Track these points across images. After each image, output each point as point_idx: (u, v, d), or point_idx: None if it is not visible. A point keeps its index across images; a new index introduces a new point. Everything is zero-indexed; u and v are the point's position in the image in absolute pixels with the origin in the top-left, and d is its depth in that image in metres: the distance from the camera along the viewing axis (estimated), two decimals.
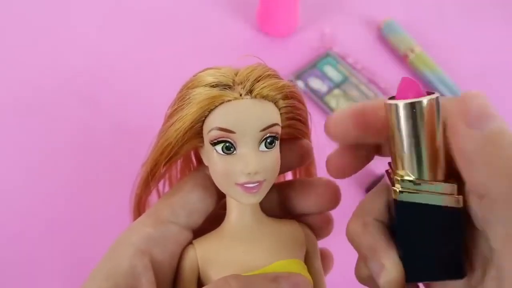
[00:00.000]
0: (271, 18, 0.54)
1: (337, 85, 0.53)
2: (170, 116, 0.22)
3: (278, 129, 0.21)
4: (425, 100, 0.18)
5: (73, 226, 0.43)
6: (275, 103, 0.21)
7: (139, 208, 0.25)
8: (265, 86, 0.21)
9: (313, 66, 0.54)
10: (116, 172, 0.46)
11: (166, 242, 0.21)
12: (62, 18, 0.56)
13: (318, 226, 0.24)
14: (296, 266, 0.22)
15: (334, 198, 0.24)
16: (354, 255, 0.22)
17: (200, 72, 0.22)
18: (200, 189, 0.23)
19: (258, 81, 0.21)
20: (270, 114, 0.21)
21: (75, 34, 0.55)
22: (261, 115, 0.20)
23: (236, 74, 0.21)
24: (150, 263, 0.21)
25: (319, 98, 0.51)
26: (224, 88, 0.20)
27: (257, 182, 0.20)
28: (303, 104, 0.23)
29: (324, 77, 0.53)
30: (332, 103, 0.51)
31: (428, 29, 0.58)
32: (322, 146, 0.25)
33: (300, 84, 0.52)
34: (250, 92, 0.21)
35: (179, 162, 0.25)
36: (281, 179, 0.27)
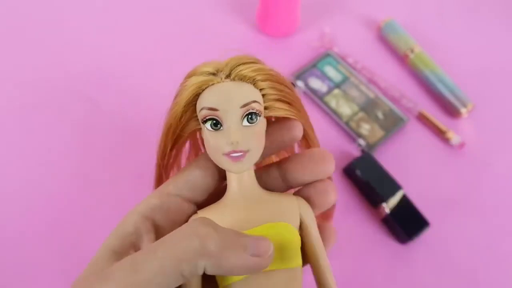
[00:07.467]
0: (271, 18, 0.54)
1: (337, 85, 0.53)
2: (172, 102, 0.26)
3: (257, 106, 0.24)
4: None
5: (73, 226, 0.43)
6: (254, 84, 0.24)
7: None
8: (242, 70, 0.24)
9: (313, 66, 0.54)
10: (116, 172, 0.46)
11: (168, 210, 0.25)
12: (62, 18, 0.56)
13: (319, 196, 0.26)
14: (283, 228, 0.24)
15: (328, 163, 0.26)
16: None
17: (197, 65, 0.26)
18: (201, 168, 0.26)
19: (237, 66, 0.24)
20: (248, 92, 0.24)
21: (76, 34, 0.55)
22: (240, 93, 0.24)
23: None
24: (153, 227, 0.24)
25: (319, 98, 0.51)
26: (209, 75, 0.24)
27: (241, 151, 0.23)
28: (285, 85, 0.25)
29: (324, 77, 0.53)
30: (332, 103, 0.51)
31: (428, 29, 0.59)
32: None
33: (300, 84, 0.52)
34: (229, 75, 0.24)
35: (189, 151, 0.29)
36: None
